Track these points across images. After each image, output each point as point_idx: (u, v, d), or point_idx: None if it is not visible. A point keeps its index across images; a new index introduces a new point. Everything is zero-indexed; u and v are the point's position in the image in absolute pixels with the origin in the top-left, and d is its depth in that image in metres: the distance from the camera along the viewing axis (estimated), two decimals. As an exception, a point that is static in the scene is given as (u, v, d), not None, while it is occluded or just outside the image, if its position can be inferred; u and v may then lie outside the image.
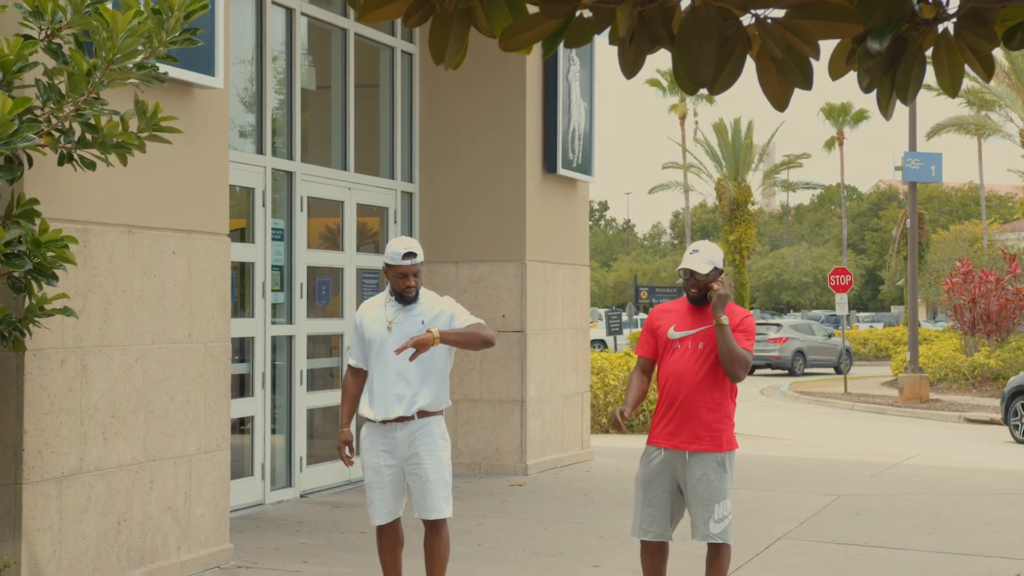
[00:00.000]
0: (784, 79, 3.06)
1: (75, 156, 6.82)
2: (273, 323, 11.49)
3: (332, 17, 12.55)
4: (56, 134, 6.73)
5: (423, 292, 7.24)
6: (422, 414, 7.10)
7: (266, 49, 11.40)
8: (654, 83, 66.06)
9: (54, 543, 7.41)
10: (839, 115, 70.50)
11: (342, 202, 12.69)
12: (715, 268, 6.83)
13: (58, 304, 6.82)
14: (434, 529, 7.19)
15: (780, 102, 3.13)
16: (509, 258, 13.58)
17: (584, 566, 9.10)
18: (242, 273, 11.23)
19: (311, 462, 12.07)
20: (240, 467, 11.12)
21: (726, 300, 6.76)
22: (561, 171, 14.00)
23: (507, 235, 13.59)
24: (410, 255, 7.02)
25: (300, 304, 11.85)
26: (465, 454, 13.65)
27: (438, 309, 7.15)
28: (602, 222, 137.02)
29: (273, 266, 11.50)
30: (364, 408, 7.22)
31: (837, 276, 33.61)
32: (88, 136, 6.82)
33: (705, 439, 6.77)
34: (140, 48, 6.72)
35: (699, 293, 6.83)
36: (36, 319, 6.82)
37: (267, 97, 11.39)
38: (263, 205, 11.27)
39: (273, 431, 11.59)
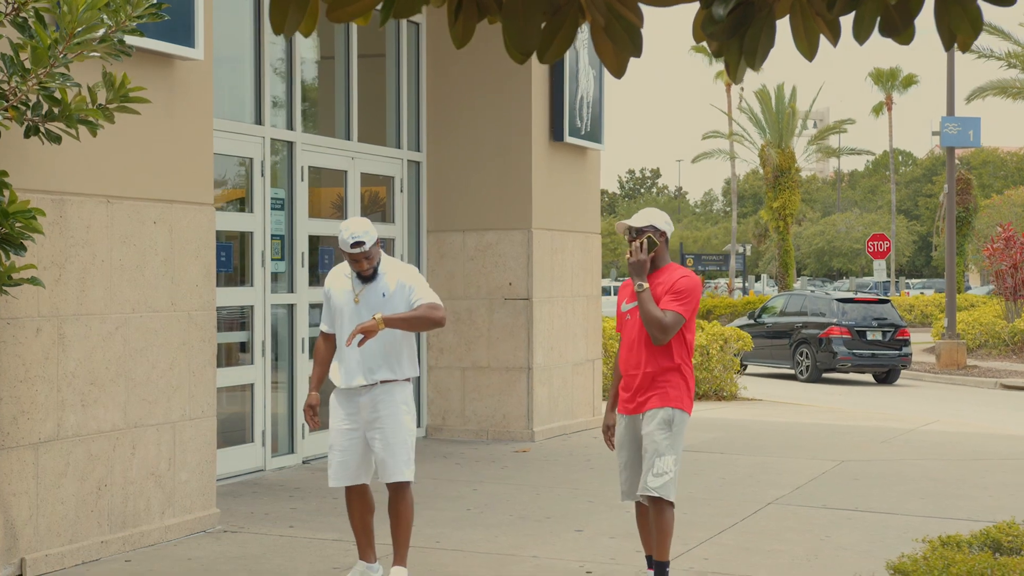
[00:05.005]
0: (616, 47, 3.11)
1: (41, 129, 6.95)
2: (274, 292, 11.63)
3: (334, -13, 12.60)
4: (22, 108, 6.86)
5: (384, 263, 7.37)
6: (384, 381, 7.23)
7: (264, 18, 11.48)
8: (700, 50, 65.65)
9: (31, 507, 7.57)
10: (887, 80, 69.77)
11: (345, 171, 12.79)
12: (651, 225, 6.95)
13: (25, 274, 6.96)
14: (398, 492, 7.32)
15: (616, 69, 3.17)
16: (515, 226, 13.64)
17: (567, 530, 9.19)
18: (241, 242, 11.36)
19: (314, 428, 12.19)
20: (241, 434, 11.29)
21: (639, 267, 6.86)
22: (568, 139, 14.02)
23: (513, 203, 13.65)
24: (358, 244, 7.10)
25: (301, 273, 11.97)
26: (473, 421, 13.76)
27: (397, 281, 7.28)
28: (654, 190, 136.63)
29: (274, 235, 11.63)
30: (332, 373, 7.39)
31: (875, 242, 33.45)
32: (54, 110, 6.94)
33: (653, 398, 6.94)
34: (106, 21, 6.83)
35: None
36: (4, 288, 6.96)
37: (265, 67, 11.48)
38: (262, 175, 11.38)
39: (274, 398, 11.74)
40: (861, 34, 3.09)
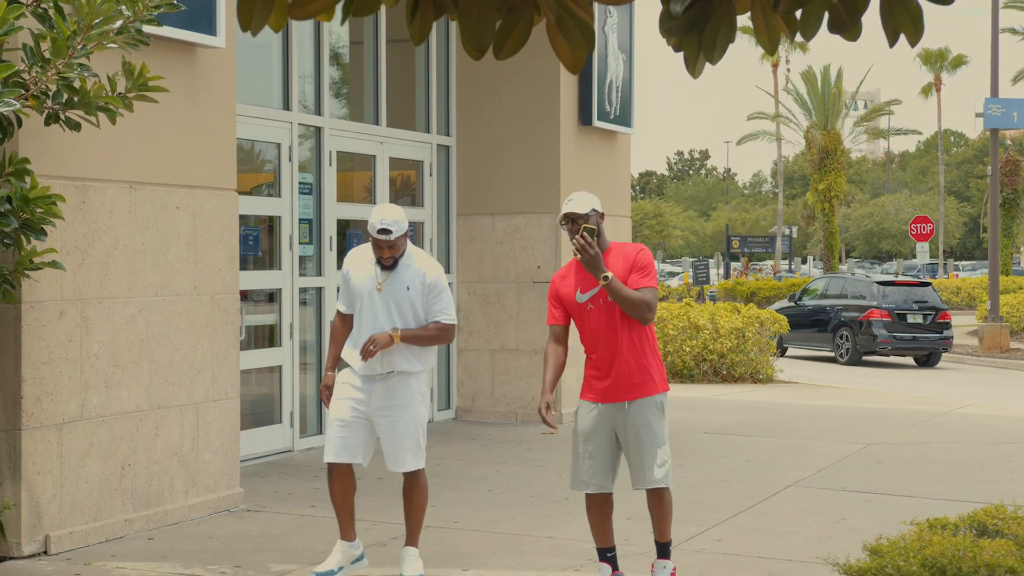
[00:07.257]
0: (571, 44, 3.20)
1: (61, 117, 7.12)
2: (302, 275, 11.79)
3: (363, -26, 12.72)
4: (42, 96, 7.03)
5: (411, 253, 7.34)
6: (402, 372, 7.30)
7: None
8: (746, 31, 65.31)
9: (55, 486, 7.77)
10: (936, 60, 69.26)
11: (374, 156, 12.93)
12: (594, 210, 6.70)
13: (46, 258, 7.15)
14: (411, 479, 7.38)
15: (572, 65, 3.27)
16: (544, 210, 13.73)
17: (584, 511, 9.26)
18: (270, 227, 11.52)
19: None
20: (270, 415, 11.47)
21: (596, 261, 6.59)
22: (597, 123, 14.09)
23: (542, 187, 13.75)
24: (385, 231, 7.07)
25: (329, 256, 12.12)
26: (502, 403, 13.89)
27: (423, 279, 7.28)
28: (703, 171, 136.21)
29: (302, 220, 11.78)
30: (348, 357, 7.43)
31: (918, 224, 33.27)
32: (74, 98, 7.12)
33: (640, 385, 6.78)
34: (124, 11, 6.99)
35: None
36: (26, 272, 7.16)
37: (293, 53, 11.62)
38: (289, 160, 11.54)
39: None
40: (808, 31, 3.18)
